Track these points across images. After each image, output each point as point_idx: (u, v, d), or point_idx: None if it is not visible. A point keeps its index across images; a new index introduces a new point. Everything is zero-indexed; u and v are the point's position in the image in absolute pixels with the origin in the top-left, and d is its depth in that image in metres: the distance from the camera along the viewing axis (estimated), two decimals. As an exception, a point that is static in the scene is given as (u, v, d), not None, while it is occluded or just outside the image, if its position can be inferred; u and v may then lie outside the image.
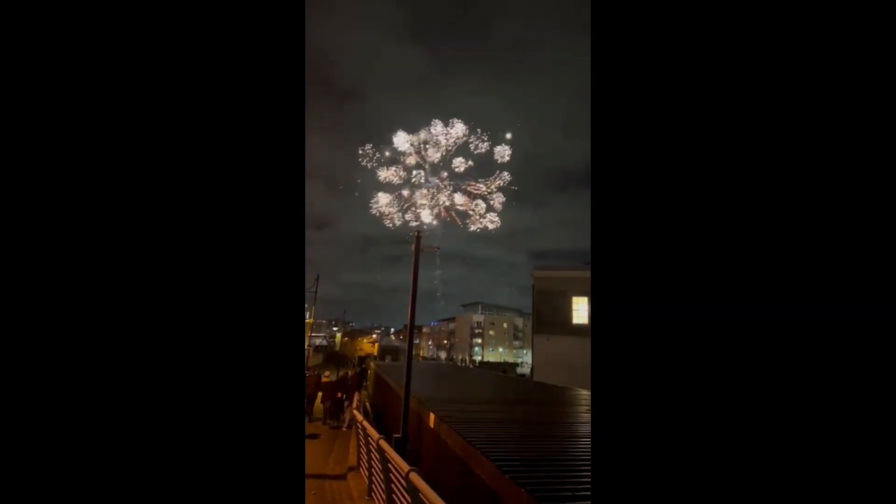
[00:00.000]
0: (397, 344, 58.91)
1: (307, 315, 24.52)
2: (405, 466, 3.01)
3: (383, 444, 3.88)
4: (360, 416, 5.98)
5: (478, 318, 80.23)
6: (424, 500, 2.49)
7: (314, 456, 6.79)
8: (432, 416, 5.98)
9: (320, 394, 10.45)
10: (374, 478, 4.51)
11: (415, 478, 2.72)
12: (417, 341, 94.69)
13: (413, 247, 5.18)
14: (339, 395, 10.35)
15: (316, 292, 24.07)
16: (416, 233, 5.29)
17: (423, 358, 75.92)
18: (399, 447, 4.69)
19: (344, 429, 9.03)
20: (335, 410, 10.22)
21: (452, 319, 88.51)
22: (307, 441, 8.66)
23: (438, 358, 77.31)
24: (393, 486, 3.44)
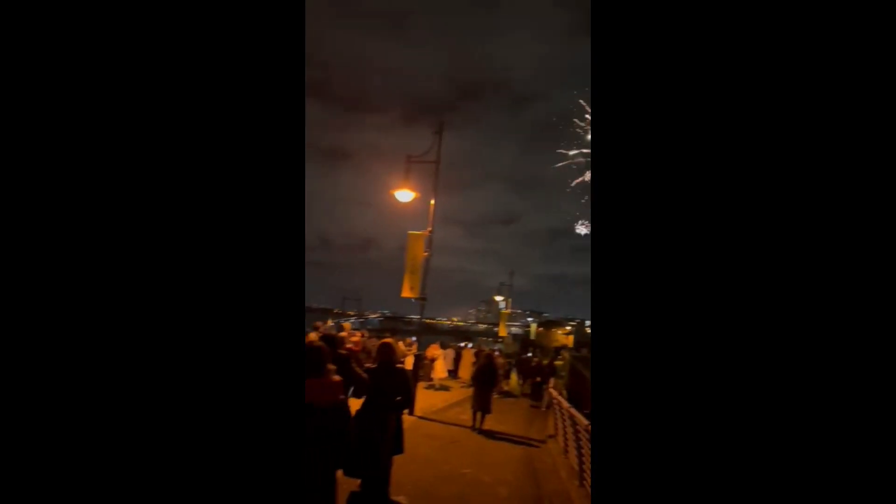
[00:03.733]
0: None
1: (505, 306, 26.81)
2: (584, 421, 4.11)
3: (572, 410, 5.05)
4: (555, 393, 7.26)
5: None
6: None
7: (518, 425, 8.35)
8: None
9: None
10: (567, 440, 5.71)
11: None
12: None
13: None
14: (538, 379, 11.81)
15: (511, 285, 26.14)
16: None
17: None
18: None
19: (543, 409, 10.37)
20: (535, 393, 11.73)
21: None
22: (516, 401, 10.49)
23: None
24: (580, 441, 4.58)
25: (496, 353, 13.97)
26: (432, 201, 8.72)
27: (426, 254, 8.24)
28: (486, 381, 7.61)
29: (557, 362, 13.49)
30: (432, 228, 8.52)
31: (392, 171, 9.72)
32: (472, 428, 7.24)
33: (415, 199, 8.87)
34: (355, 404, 2.88)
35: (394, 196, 8.85)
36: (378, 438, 3.29)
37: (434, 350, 13.48)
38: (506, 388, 12.89)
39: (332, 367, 1.67)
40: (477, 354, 10.40)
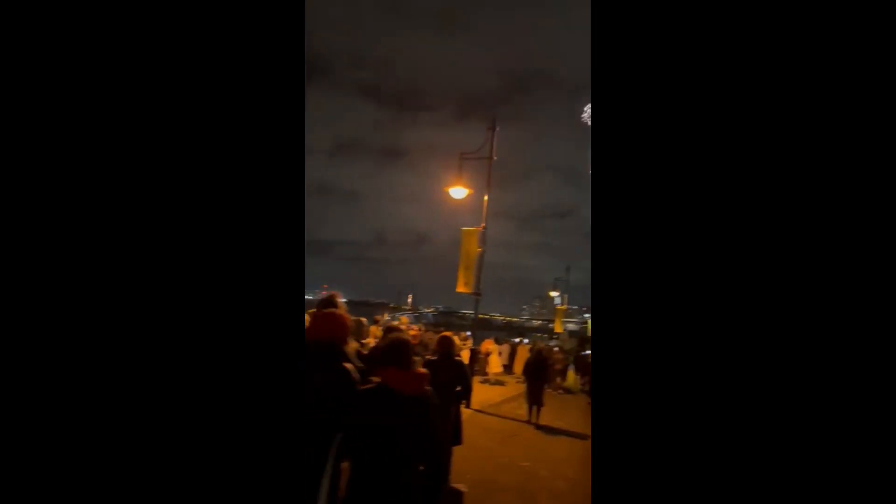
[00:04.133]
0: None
1: (561, 301, 26.27)
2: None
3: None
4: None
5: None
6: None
7: (577, 422, 8.24)
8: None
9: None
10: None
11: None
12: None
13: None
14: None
15: (567, 281, 25.56)
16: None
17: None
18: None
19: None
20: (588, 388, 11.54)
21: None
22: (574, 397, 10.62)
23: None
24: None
25: (556, 349, 13.91)
26: (486, 197, 8.78)
27: (480, 249, 8.32)
28: (537, 375, 7.77)
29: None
30: (486, 224, 8.58)
31: (445, 167, 9.89)
32: (529, 422, 7.27)
33: (468, 195, 8.98)
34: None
35: (447, 192, 9.00)
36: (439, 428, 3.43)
37: (489, 345, 13.57)
38: (563, 384, 12.73)
39: (417, 359, 1.78)
40: (532, 350, 10.44)
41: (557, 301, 26.57)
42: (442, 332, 5.80)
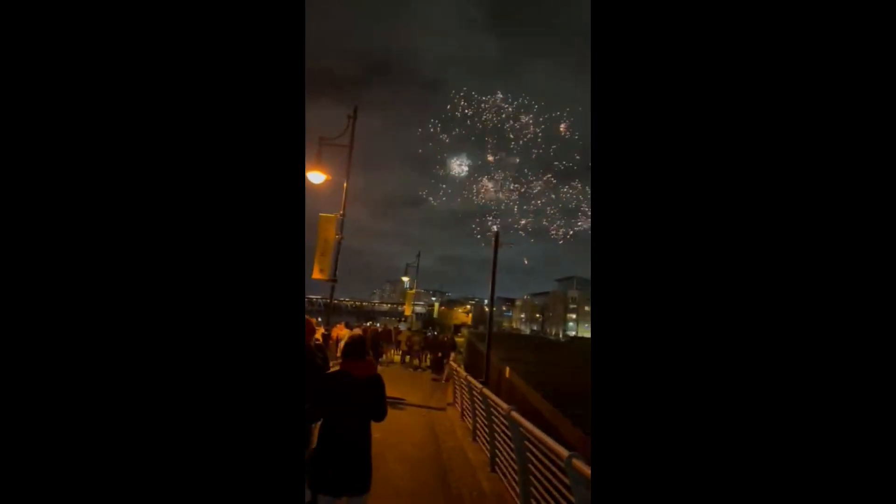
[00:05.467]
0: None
1: (410, 286, 27.59)
2: (478, 386, 4.93)
3: (469, 378, 5.86)
4: (455, 366, 8.11)
5: (573, 293, 79.38)
6: (523, 430, 3.43)
7: (422, 396, 9.10)
8: (508, 368, 8.01)
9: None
10: (464, 406, 6.56)
11: (515, 415, 3.70)
12: (511, 314, 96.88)
13: (493, 246, 6.92)
14: (439, 354, 12.75)
15: (417, 267, 26.96)
16: (495, 234, 7.02)
17: (516, 329, 78.53)
18: (482, 387, 6.66)
19: (443, 381, 11.30)
20: (436, 366, 12.68)
21: (546, 293, 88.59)
22: (421, 375, 11.49)
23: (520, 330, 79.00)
24: (475, 404, 5.37)
25: (405, 330, 15.02)
26: (345, 184, 8.89)
27: (338, 236, 8.43)
28: (375, 352, 8.73)
29: (458, 339, 14.65)
30: (344, 211, 8.71)
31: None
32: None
33: (326, 181, 8.94)
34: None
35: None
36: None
37: (340, 329, 13.71)
38: (412, 363, 13.74)
39: (370, 350, 2.30)
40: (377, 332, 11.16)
41: (407, 285, 27.80)
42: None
